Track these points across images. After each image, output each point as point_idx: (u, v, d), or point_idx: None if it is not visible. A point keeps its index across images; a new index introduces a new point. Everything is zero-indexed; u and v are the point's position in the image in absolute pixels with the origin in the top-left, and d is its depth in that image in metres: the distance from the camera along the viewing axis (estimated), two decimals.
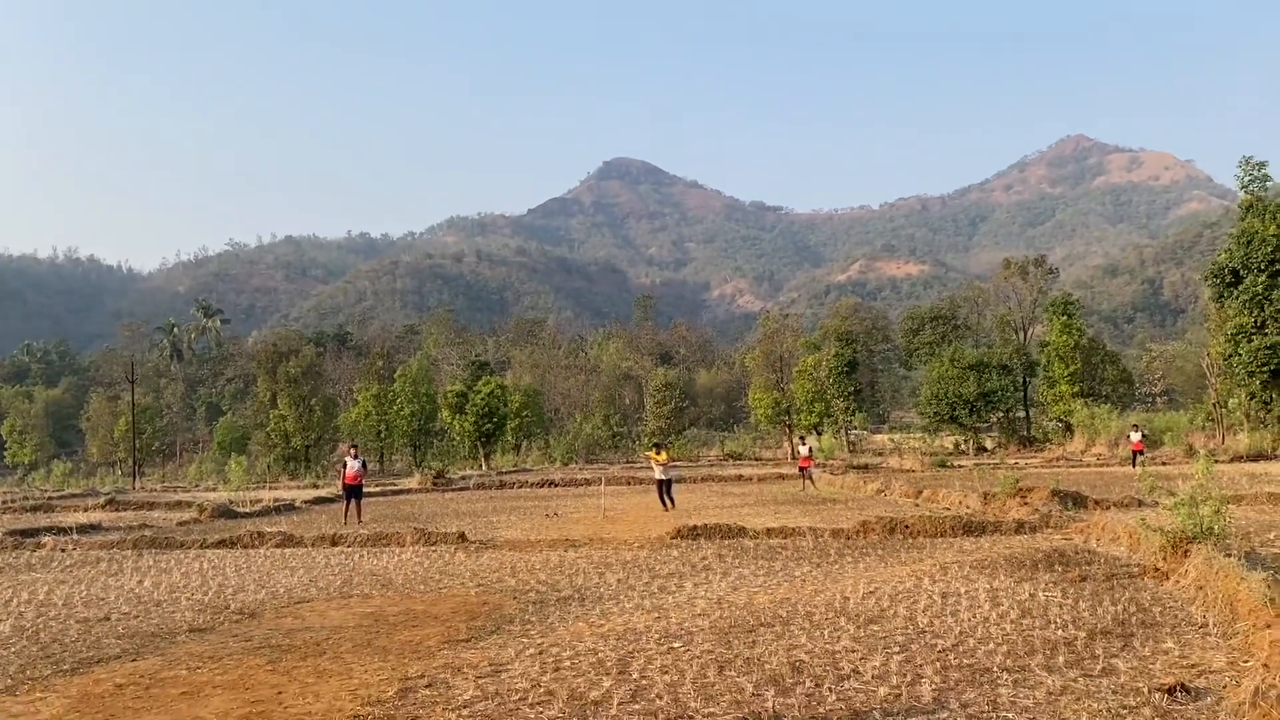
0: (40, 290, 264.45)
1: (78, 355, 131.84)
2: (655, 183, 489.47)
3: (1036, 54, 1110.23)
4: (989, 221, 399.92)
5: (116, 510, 31.33)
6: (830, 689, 6.52)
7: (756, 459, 54.40)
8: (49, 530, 22.30)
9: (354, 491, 23.34)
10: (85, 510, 31.32)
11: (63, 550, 18.72)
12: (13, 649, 9.11)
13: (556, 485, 37.66)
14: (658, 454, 23.86)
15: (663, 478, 23.59)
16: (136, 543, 19.12)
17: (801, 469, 30.41)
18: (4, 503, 36.95)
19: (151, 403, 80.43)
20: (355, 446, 25.84)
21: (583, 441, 66.23)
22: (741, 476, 37.47)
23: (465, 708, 6.39)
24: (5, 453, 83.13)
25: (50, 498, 40.30)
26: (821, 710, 6.02)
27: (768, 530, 16.69)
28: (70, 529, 22.43)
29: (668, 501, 23.42)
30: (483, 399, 60.75)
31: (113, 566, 15.82)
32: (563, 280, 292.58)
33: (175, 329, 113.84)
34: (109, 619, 10.68)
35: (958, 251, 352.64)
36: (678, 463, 23.61)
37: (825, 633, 8.33)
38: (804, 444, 31.58)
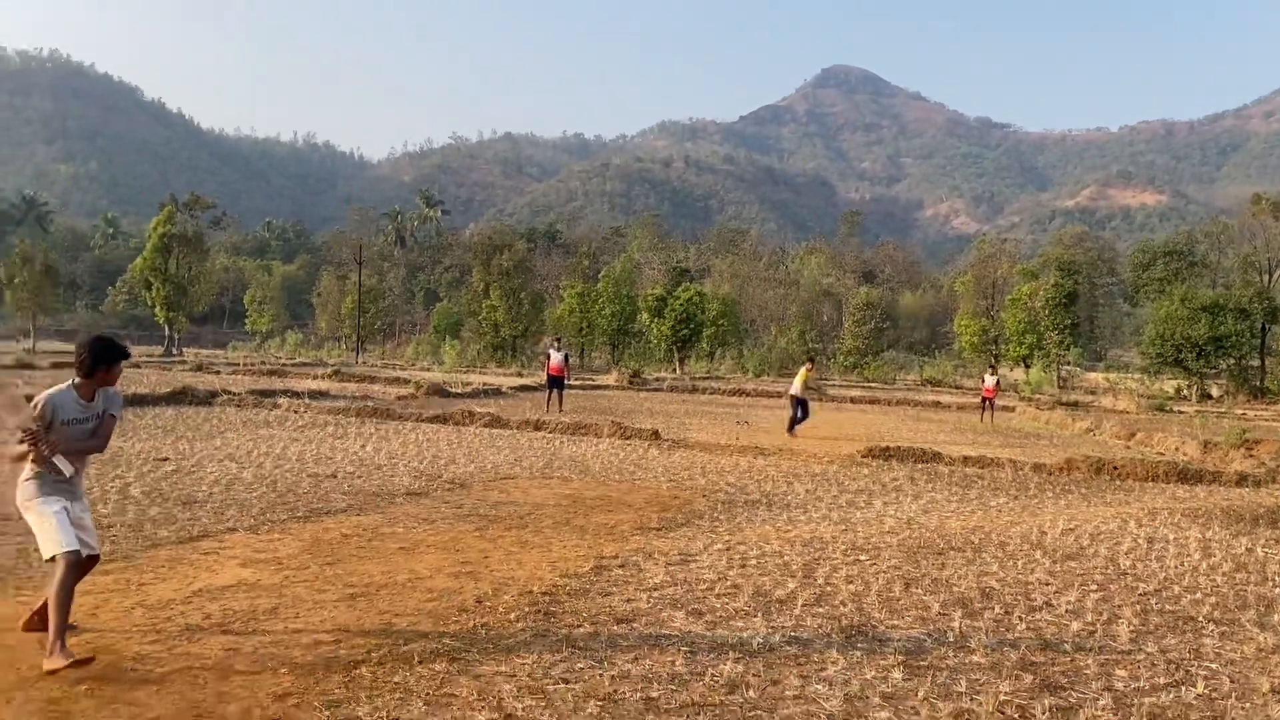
0: (281, 172, 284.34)
1: (311, 235, 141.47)
2: (874, 93, 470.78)
3: None
4: (1241, 152, 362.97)
5: (341, 381, 33.87)
6: (1020, 618, 6.42)
7: (956, 387, 52.70)
8: (283, 393, 24.42)
9: (556, 382, 24.31)
10: (314, 378, 34.03)
11: (295, 412, 20.50)
12: (255, 494, 10.15)
13: (748, 395, 37.88)
14: (810, 367, 22.07)
15: (802, 395, 21.09)
16: (360, 411, 20.68)
17: (985, 399, 29.28)
18: (245, 365, 40.61)
19: (375, 284, 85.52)
20: (559, 340, 26.79)
21: (776, 355, 66.01)
22: (939, 403, 36.50)
23: (655, 590, 6.69)
24: (246, 320, 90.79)
25: (284, 364, 43.96)
26: (1010, 637, 5.95)
27: (964, 458, 16.30)
28: (301, 394, 24.48)
29: (798, 422, 20.68)
30: (681, 305, 61.35)
31: (338, 430, 17.21)
32: (769, 191, 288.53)
33: (400, 216, 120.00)
34: (335, 476, 11.69)
35: (1202, 183, 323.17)
36: (820, 382, 22.79)
37: (1019, 563, 8.16)
38: (992, 373, 30.30)
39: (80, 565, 4.83)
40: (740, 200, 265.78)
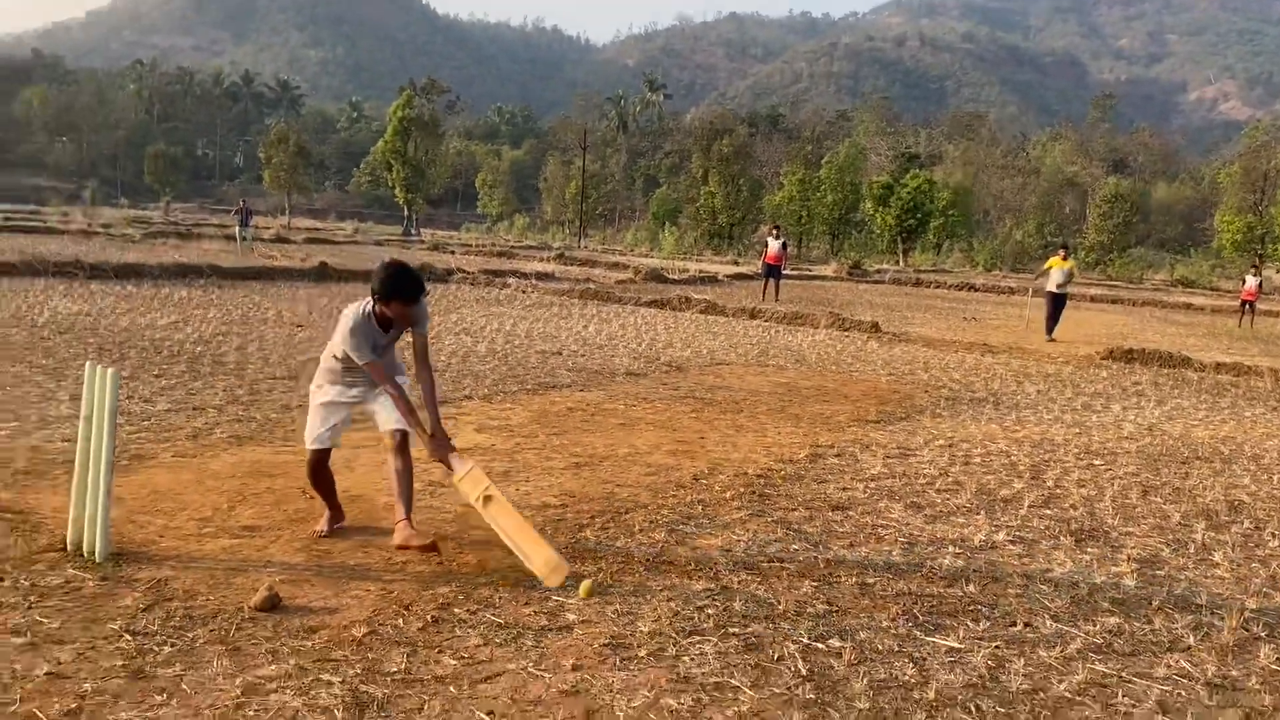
0: (511, 57, 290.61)
1: (538, 120, 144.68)
2: None
3: None
4: None
5: (565, 264, 34.94)
6: (1273, 534, 5.94)
7: (1212, 289, 48.39)
8: (511, 274, 25.48)
9: (773, 271, 24.10)
10: (539, 260, 35.26)
11: (523, 292, 21.37)
12: (488, 366, 10.70)
13: (976, 290, 36.29)
14: (1064, 258, 19.23)
15: (1057, 292, 18.90)
16: (582, 293, 21.30)
17: (1245, 303, 26.69)
18: (476, 247, 42.53)
19: (598, 170, 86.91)
20: (778, 228, 26.42)
21: (1011, 248, 62.64)
22: (1191, 305, 33.71)
23: (872, 481, 6.62)
24: (478, 203, 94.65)
25: (511, 247, 45.73)
26: (1260, 554, 5.53)
27: (1217, 364, 15.04)
28: (528, 275, 25.46)
29: (1054, 324, 18.84)
30: (909, 193, 58.94)
31: (562, 311, 17.82)
32: (1011, 71, 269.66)
33: (622, 101, 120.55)
34: (560, 354, 12.14)
35: None
36: (1073, 277, 20.28)
37: (1274, 478, 7.52)
38: (1255, 274, 27.51)
39: (325, 461, 4.76)
40: (978, 82, 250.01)
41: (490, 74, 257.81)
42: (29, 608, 3.68)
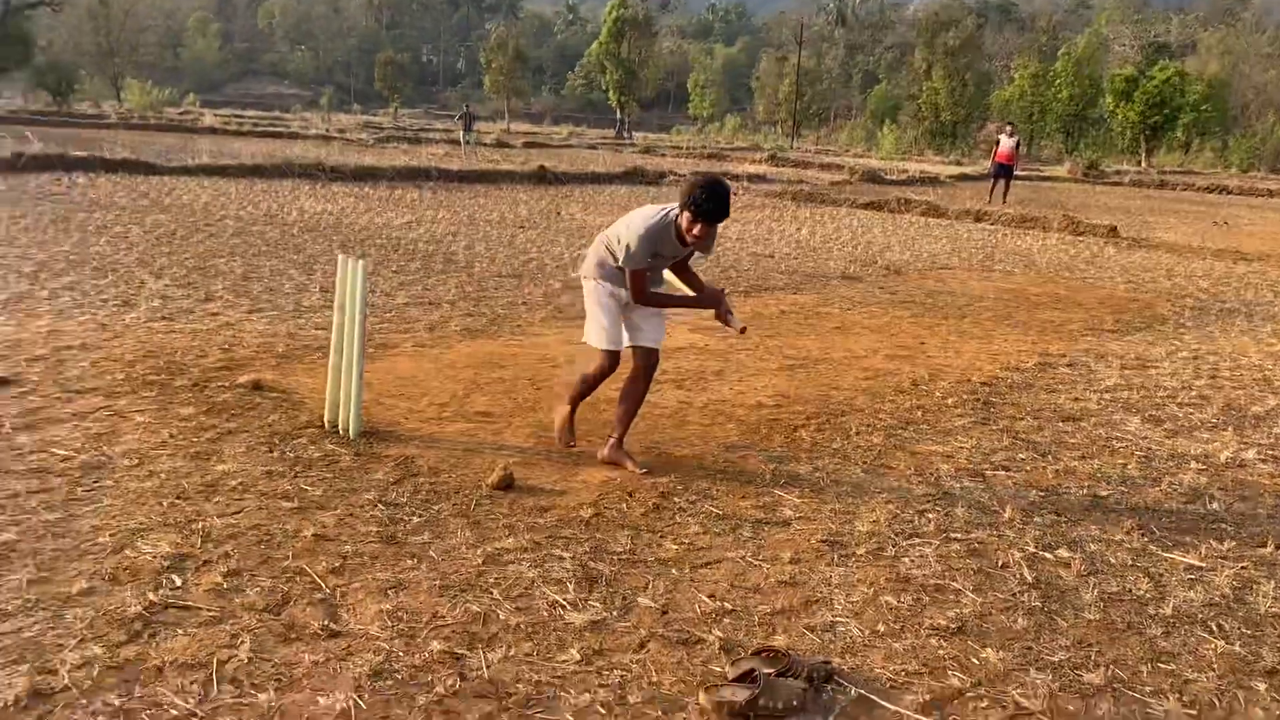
0: None
1: (753, 16, 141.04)
2: None
3: None
4: None
5: (777, 165, 34.32)
6: None
7: None
8: (722, 176, 25.30)
9: (1004, 170, 22.79)
10: (751, 162, 34.77)
11: (734, 194, 21.19)
12: (700, 269, 10.74)
13: (1229, 193, 33.13)
14: None
15: None
16: (795, 195, 20.94)
17: None
18: (688, 149, 42.37)
19: (814, 67, 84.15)
20: (1011, 124, 24.89)
21: (1272, 147, 56.54)
22: None
23: (1108, 393, 6.27)
24: (689, 105, 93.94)
25: (722, 148, 45.25)
26: None
27: None
28: (740, 177, 25.19)
29: None
30: (1156, 87, 53.90)
31: (775, 214, 17.59)
32: None
33: None
34: (773, 256, 12.03)
35: None
36: None
37: None
38: None
39: (615, 366, 4.49)
40: None
41: None
42: (295, 476, 4.07)
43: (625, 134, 63.52)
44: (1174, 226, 19.45)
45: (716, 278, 10.09)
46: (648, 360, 4.50)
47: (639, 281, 4.25)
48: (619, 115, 70.40)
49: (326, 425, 4.69)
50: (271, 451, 4.34)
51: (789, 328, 7.93)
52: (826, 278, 10.68)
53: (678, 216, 4.16)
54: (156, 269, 8.59)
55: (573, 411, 4.65)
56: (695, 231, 4.10)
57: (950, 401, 5.87)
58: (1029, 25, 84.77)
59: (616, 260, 4.30)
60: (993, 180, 23.18)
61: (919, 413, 5.62)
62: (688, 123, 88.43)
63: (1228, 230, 19.40)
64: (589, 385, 4.58)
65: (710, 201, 4.03)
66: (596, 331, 4.45)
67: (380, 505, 3.82)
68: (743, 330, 4.46)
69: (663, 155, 37.20)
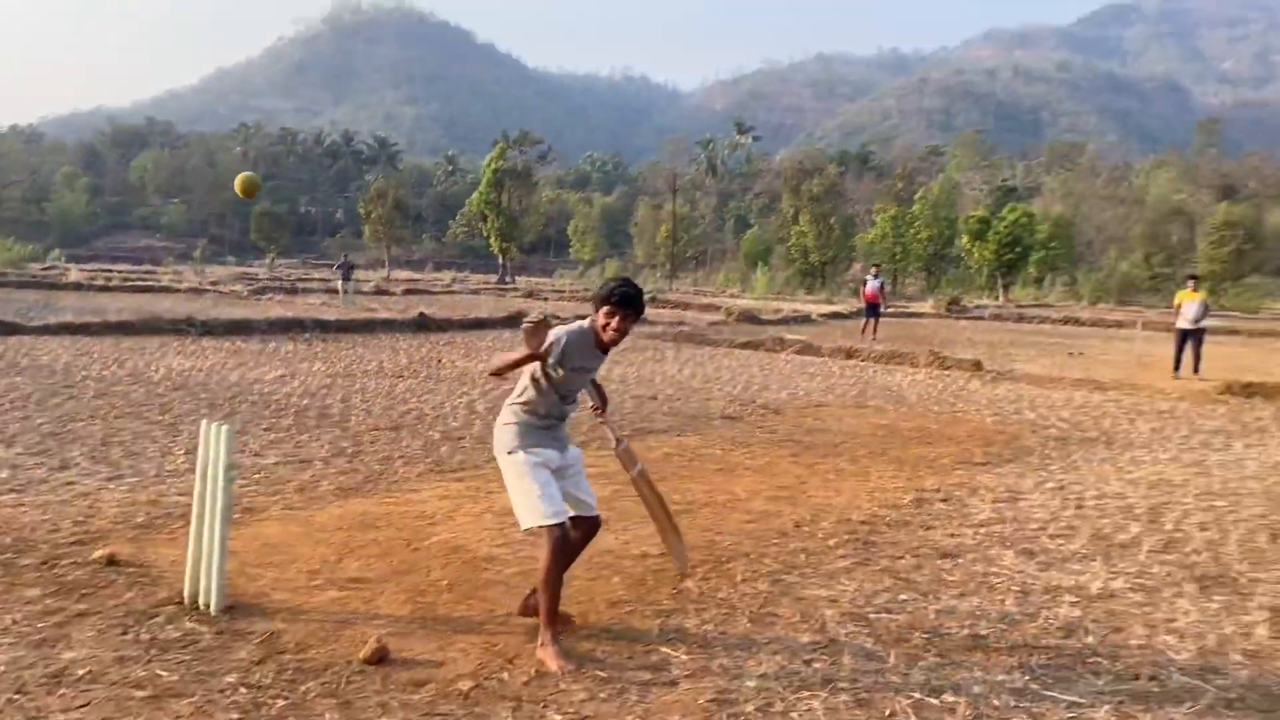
0: (600, 106, 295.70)
1: (628, 167, 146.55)
2: None
3: None
4: None
5: (657, 307, 35.04)
6: None
7: None
8: None
9: (873, 310, 23.80)
10: None
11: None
12: (582, 413, 10.73)
13: (1081, 324, 35.20)
14: (1193, 290, 17.68)
15: (1188, 328, 17.33)
16: (675, 337, 21.34)
17: None
18: (570, 292, 43.06)
19: (688, 213, 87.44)
20: (877, 266, 26.16)
21: (1116, 281, 60.66)
22: None
23: (981, 527, 6.41)
24: (570, 250, 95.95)
25: None
26: None
27: None
28: None
29: (1186, 363, 17.25)
30: (1006, 227, 57.68)
31: (656, 354, 17.86)
32: (1109, 99, 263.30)
33: (711, 145, 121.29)
34: (656, 398, 12.14)
35: None
36: (1208, 309, 18.47)
37: None
38: None
39: (567, 539, 4.05)
40: (1075, 111, 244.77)
41: (581, 124, 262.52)
42: (149, 661, 3.79)
43: (508, 279, 64.25)
44: (1034, 358, 20.47)
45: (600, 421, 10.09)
46: (590, 532, 4.34)
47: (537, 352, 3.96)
48: (501, 261, 71.31)
49: (187, 601, 4.41)
50: (125, 634, 4.05)
51: (673, 471, 7.93)
52: (708, 418, 10.80)
53: (593, 321, 4.12)
54: (8, 437, 8.12)
55: (553, 626, 4.04)
56: (614, 325, 4.05)
57: (832, 542, 5.91)
58: (887, 172, 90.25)
59: (540, 419, 4.14)
60: (865, 318, 24.16)
61: (802, 555, 5.63)
62: (570, 267, 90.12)
63: (1083, 360, 20.51)
64: (551, 583, 3.98)
65: (625, 287, 4.09)
66: (530, 507, 3.97)
67: (242, 689, 3.57)
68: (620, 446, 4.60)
69: (545, 299, 37.68)
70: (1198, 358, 17.24)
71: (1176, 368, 17.29)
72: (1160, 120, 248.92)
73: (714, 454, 8.76)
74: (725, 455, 8.73)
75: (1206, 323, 17.75)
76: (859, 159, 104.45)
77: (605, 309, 4.08)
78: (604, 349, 4.17)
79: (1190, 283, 18.22)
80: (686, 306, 35.63)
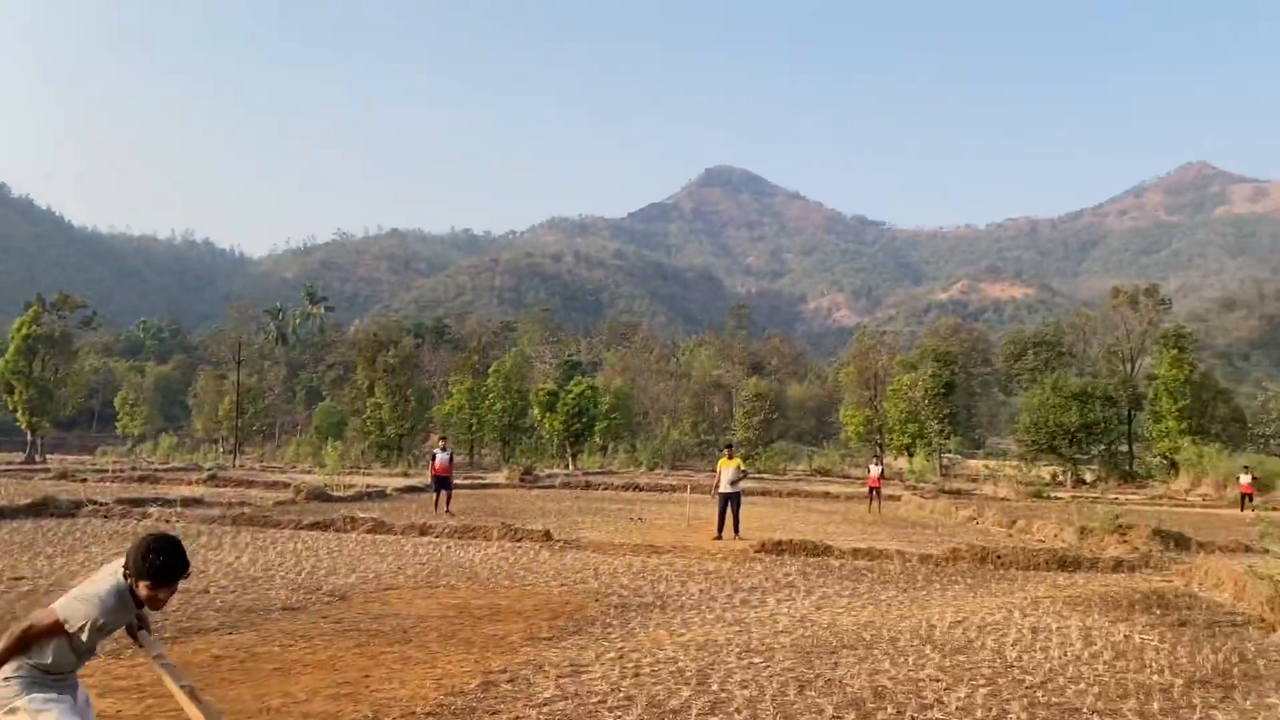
0: (158, 270, 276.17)
1: (189, 334, 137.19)
2: (756, 192, 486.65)
3: (1157, 76, 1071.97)
4: (1100, 247, 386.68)
5: (217, 486, 32.49)
6: (913, 717, 6.40)
7: (844, 476, 53.68)
8: (155, 501, 23.29)
9: (443, 482, 23.75)
10: (188, 484, 32.57)
11: (167, 521, 19.51)
12: None
13: (641, 489, 37.77)
14: (730, 458, 19.43)
15: (729, 491, 18.94)
16: (235, 519, 19.79)
17: (871, 489, 29.88)
18: (114, 471, 38.67)
19: (255, 384, 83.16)
20: (445, 438, 26.33)
21: (669, 447, 66.32)
22: (828, 494, 37.02)
23: (545, 706, 6.45)
24: (117, 424, 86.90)
25: (156, 470, 42.04)
26: None
27: (854, 550, 16.46)
28: (175, 501, 23.38)
29: (728, 524, 18.77)
30: (573, 399, 61.30)
31: (213, 540, 16.40)
32: (658, 285, 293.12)
33: (281, 314, 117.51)
34: (208, 591, 11.08)
35: (1066, 277, 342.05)
36: (745, 474, 20.56)
37: (910, 660, 8.18)
38: (876, 463, 30.99)
39: None
40: (630, 294, 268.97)
41: (135, 287, 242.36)
42: None
43: (37, 458, 56.53)
44: (599, 525, 21.50)
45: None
46: None
47: (52, 629, 3.70)
48: (30, 438, 62.73)
49: None
50: None
51: (222, 676, 7.20)
52: (267, 611, 10.02)
53: (133, 584, 3.82)
54: None
55: None
56: (159, 598, 3.84)
57: None
58: (462, 345, 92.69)
59: (48, 673, 3.78)
60: (435, 492, 24.02)
61: None
62: (116, 442, 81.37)
63: (643, 525, 21.90)
64: None
65: (166, 558, 3.81)
66: None
67: None
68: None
69: (83, 480, 33.42)
70: (737, 519, 19.09)
71: (719, 530, 18.99)
72: (699, 305, 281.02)
73: (271, 651, 8.09)
74: (284, 652, 8.09)
75: (743, 485, 19.78)
76: (435, 331, 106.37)
77: (146, 585, 3.82)
78: (141, 605, 3.92)
79: (727, 450, 20.18)
80: (251, 484, 33.36)
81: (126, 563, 3.81)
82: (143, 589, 3.80)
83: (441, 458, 23.96)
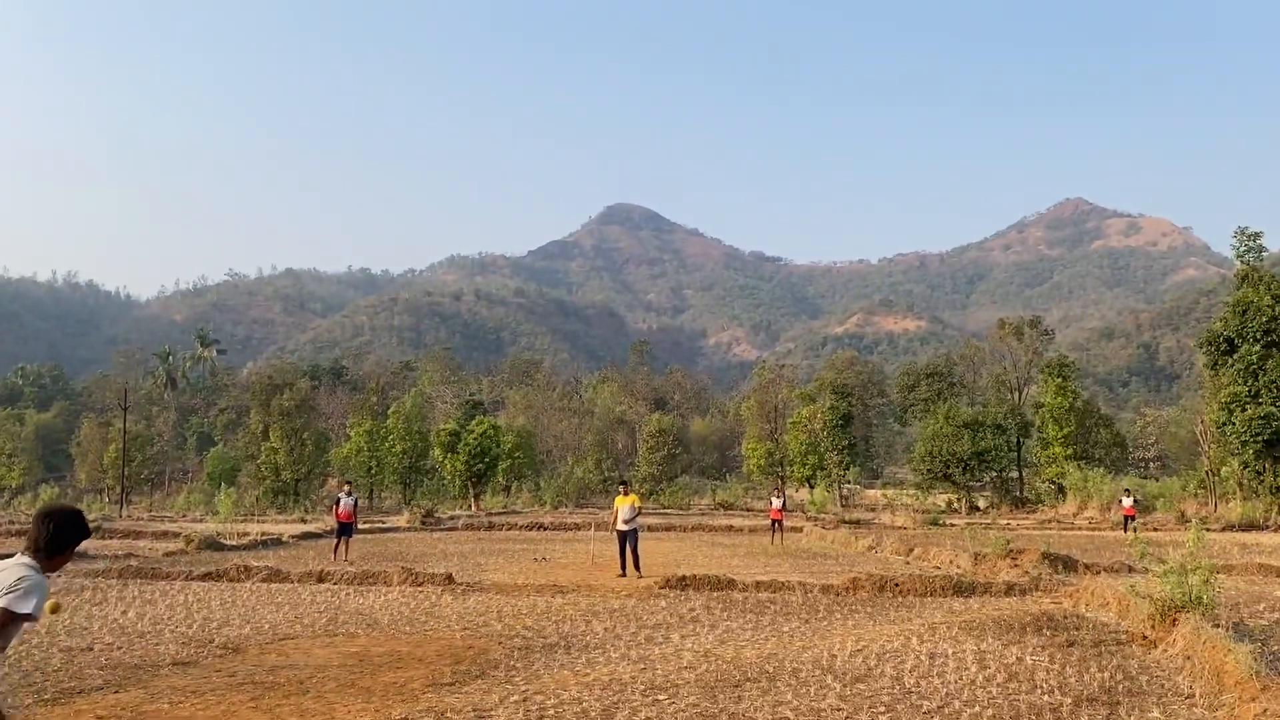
0: (37, 313, 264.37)
1: (71, 380, 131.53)
2: (655, 229, 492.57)
3: (1035, 115, 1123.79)
4: (987, 280, 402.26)
5: (102, 538, 31.08)
6: None
7: (748, 509, 54.21)
8: None
9: (345, 529, 23.24)
10: None
11: (47, 577, 18.57)
12: None
13: (546, 528, 37.47)
14: (625, 495, 19.43)
15: (625, 529, 18.83)
16: (122, 572, 18.99)
17: (774, 521, 30.25)
18: None
19: (143, 430, 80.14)
20: (349, 484, 25.79)
21: (573, 485, 66.02)
22: (732, 527, 37.32)
23: None
24: None
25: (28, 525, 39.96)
26: None
27: (757, 583, 16.63)
28: None
29: (629, 562, 18.67)
30: (475, 439, 60.59)
31: (97, 595, 15.70)
32: (560, 323, 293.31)
33: (170, 357, 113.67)
34: (92, 649, 10.61)
35: (955, 309, 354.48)
36: (640, 510, 19.95)
37: (811, 690, 8.30)
38: (777, 496, 31.41)
39: None
40: (532, 332, 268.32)
41: (12, 332, 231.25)
42: None
43: None
44: (503, 566, 21.27)
45: (15, 686, 8.56)
46: None
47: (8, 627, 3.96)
48: None
49: None
50: None
51: None
52: (156, 667, 9.63)
53: (41, 567, 4.09)
54: None
55: None
56: (60, 565, 4.20)
57: None
58: (361, 386, 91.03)
59: None
60: (337, 538, 23.44)
61: None
62: None
63: (547, 565, 21.73)
64: None
65: (74, 528, 4.18)
66: None
67: None
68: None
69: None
70: (636, 557, 19.00)
71: (622, 567, 18.93)
72: (601, 341, 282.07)
73: (160, 709, 7.79)
74: (173, 709, 7.80)
75: (639, 522, 19.68)
76: (332, 373, 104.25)
77: (65, 555, 4.20)
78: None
79: (622, 487, 20.12)
80: (139, 535, 32.03)
81: (37, 546, 4.09)
82: (61, 561, 4.19)
83: (346, 503, 23.45)
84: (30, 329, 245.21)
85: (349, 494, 24.12)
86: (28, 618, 3.97)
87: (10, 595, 3.93)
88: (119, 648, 10.72)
